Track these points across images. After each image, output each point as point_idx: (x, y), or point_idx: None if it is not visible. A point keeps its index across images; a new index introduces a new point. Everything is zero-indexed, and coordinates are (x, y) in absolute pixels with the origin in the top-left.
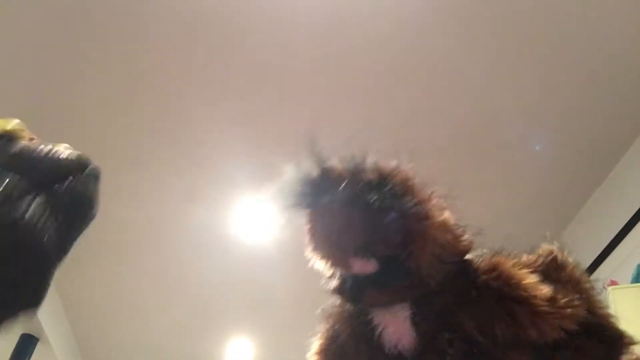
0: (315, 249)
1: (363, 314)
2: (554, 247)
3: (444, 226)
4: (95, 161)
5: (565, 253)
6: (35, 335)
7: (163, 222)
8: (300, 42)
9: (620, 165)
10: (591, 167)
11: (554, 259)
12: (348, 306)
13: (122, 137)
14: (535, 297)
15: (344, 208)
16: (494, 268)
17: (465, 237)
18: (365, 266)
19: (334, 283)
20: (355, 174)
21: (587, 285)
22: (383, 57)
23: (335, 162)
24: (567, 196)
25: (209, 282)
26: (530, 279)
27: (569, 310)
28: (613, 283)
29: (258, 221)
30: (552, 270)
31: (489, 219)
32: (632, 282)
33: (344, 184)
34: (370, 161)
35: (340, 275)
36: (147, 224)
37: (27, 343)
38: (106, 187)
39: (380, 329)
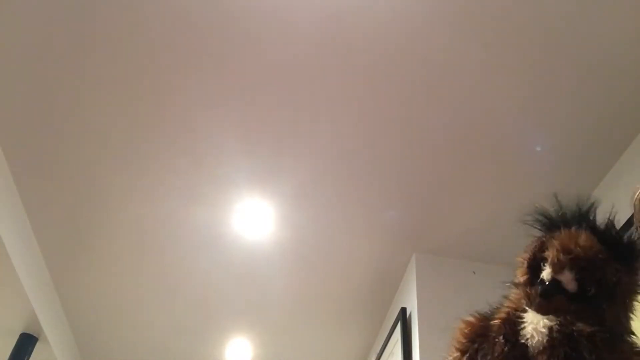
0: (549, 248)
1: (519, 312)
2: None
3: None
4: (96, 161)
5: None
6: (34, 335)
7: (162, 221)
8: (301, 44)
9: (620, 164)
10: (590, 166)
11: None
12: (516, 300)
13: (122, 136)
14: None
15: (594, 236)
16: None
17: None
18: (570, 281)
19: (533, 285)
20: (609, 227)
21: None
22: (382, 60)
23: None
24: (567, 195)
25: (208, 282)
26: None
27: None
28: None
29: (258, 221)
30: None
31: (489, 219)
32: None
33: (599, 222)
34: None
35: (549, 276)
36: (146, 223)
37: (26, 342)
38: (106, 187)
39: (524, 326)
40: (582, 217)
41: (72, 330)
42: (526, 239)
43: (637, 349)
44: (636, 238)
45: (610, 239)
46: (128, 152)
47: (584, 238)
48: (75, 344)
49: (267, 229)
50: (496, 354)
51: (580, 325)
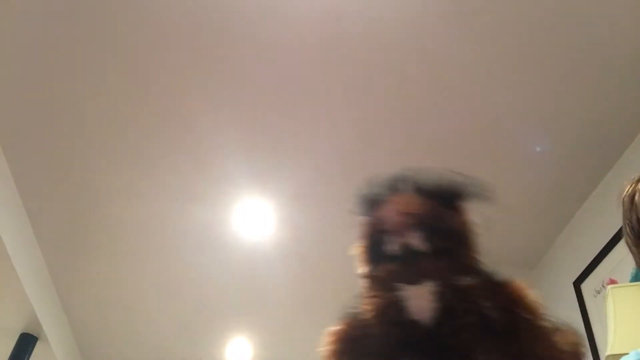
0: (384, 220)
1: (392, 290)
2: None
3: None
4: (96, 161)
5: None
6: (34, 335)
7: (163, 221)
8: (302, 45)
9: (620, 164)
10: (590, 165)
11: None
12: (379, 287)
13: (123, 137)
14: (541, 322)
15: (419, 195)
16: (516, 283)
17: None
18: (420, 243)
19: (380, 257)
20: (432, 180)
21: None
22: (383, 60)
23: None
24: (567, 195)
25: (208, 282)
26: (543, 311)
27: (562, 355)
28: (612, 282)
29: (258, 221)
30: (554, 330)
31: (489, 218)
32: (631, 281)
33: (422, 181)
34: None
35: (396, 246)
36: (147, 223)
37: (26, 342)
38: (106, 188)
39: (406, 303)
40: (398, 185)
41: (72, 330)
42: (528, 236)
43: (516, 282)
44: (456, 181)
45: (432, 190)
46: (129, 152)
47: (409, 198)
48: (75, 344)
49: (268, 229)
50: (380, 346)
51: (461, 279)
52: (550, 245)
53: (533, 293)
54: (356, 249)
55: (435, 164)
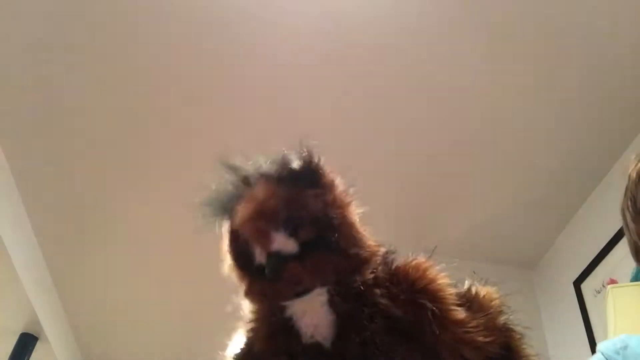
0: (237, 232)
1: (279, 310)
2: (473, 282)
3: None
4: (96, 161)
5: (489, 290)
6: (34, 335)
7: (163, 222)
8: (300, 49)
9: (619, 164)
10: (590, 166)
11: (470, 290)
12: (263, 308)
13: (123, 137)
14: (447, 305)
15: (268, 184)
16: (416, 264)
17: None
18: (286, 243)
19: (253, 272)
20: (280, 162)
21: (507, 326)
22: (382, 59)
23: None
24: (567, 195)
25: (209, 281)
26: (448, 290)
27: (476, 336)
28: (612, 282)
29: None
30: (468, 299)
31: (489, 219)
32: (631, 281)
33: (268, 166)
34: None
35: (262, 256)
36: (147, 224)
37: (26, 342)
38: (106, 188)
39: (297, 322)
40: (245, 179)
41: (72, 330)
42: (528, 235)
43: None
44: (311, 158)
45: (288, 174)
46: (129, 152)
47: (260, 192)
48: (76, 344)
49: None
50: None
51: (350, 276)
52: (550, 245)
53: (435, 271)
54: (228, 265)
55: (435, 164)
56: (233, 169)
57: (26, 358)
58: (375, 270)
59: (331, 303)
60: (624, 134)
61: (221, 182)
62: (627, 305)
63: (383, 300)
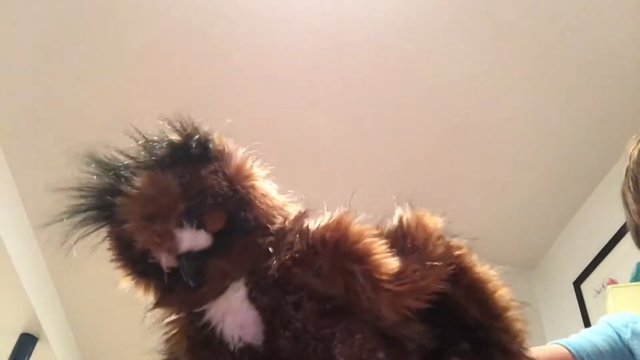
0: (127, 238)
1: (197, 318)
2: (403, 211)
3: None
4: None
5: (421, 215)
6: (34, 335)
7: None
8: (300, 45)
9: (619, 164)
10: (590, 166)
11: (401, 224)
12: (181, 318)
13: (124, 137)
14: (376, 262)
15: (152, 174)
16: (336, 224)
17: (289, 203)
18: (195, 238)
19: (162, 279)
20: (157, 143)
21: (448, 253)
22: (381, 59)
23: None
24: (567, 195)
25: None
26: (375, 244)
27: (415, 284)
28: (612, 282)
29: None
30: (400, 237)
31: (489, 219)
32: (631, 281)
33: (144, 152)
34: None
35: (171, 260)
36: None
37: (26, 343)
38: None
39: (219, 326)
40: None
41: (72, 330)
42: (528, 235)
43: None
44: (192, 127)
45: (171, 154)
46: None
47: (146, 184)
48: (76, 344)
49: None
50: None
51: (266, 260)
52: (550, 245)
53: (359, 225)
54: (123, 276)
55: (434, 164)
56: (101, 164)
57: (26, 358)
58: (291, 244)
59: (250, 297)
60: (624, 134)
61: (89, 182)
62: (627, 305)
63: (306, 279)
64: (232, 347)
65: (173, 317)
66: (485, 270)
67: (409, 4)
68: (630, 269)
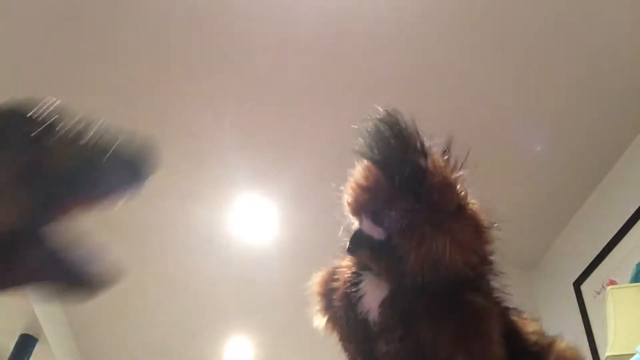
0: (351, 194)
1: (358, 275)
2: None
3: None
4: None
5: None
6: (34, 336)
7: (163, 222)
8: (300, 45)
9: (619, 164)
10: (590, 166)
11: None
12: (349, 267)
13: None
14: None
15: (383, 175)
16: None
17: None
18: (372, 229)
19: (349, 233)
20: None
21: None
22: (382, 58)
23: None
24: (567, 195)
25: (208, 281)
26: None
27: None
28: (612, 282)
29: (259, 221)
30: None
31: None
32: (631, 282)
33: (396, 151)
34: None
35: (354, 226)
36: (147, 224)
37: (26, 343)
38: None
39: (360, 293)
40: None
41: (72, 330)
42: (528, 235)
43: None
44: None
45: (393, 164)
46: None
47: (364, 170)
48: (75, 344)
49: (268, 228)
50: (342, 329)
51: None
52: (550, 245)
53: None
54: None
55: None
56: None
57: (26, 359)
58: (435, 300)
59: (384, 302)
60: (624, 134)
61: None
62: (627, 306)
63: (425, 332)
64: (359, 312)
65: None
66: None
67: (409, 5)
68: (630, 270)
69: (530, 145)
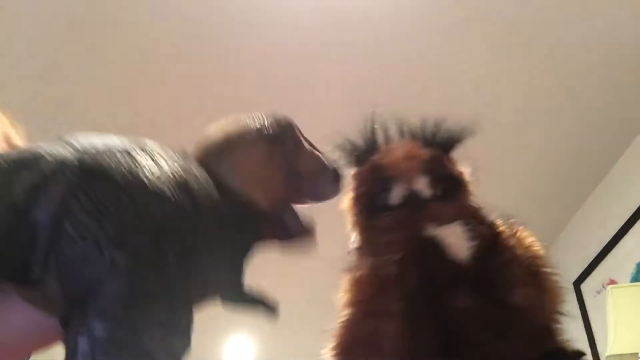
0: (388, 167)
1: (419, 230)
2: None
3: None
4: None
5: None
6: None
7: None
8: (300, 45)
9: (619, 164)
10: (590, 166)
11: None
12: (396, 233)
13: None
14: None
15: (417, 141)
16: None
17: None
18: (425, 188)
19: (391, 200)
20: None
21: None
22: (382, 58)
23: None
24: (567, 195)
25: None
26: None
27: None
28: (612, 282)
29: None
30: None
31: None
32: (631, 281)
33: (419, 128)
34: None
35: (403, 191)
36: None
37: None
38: None
39: (441, 240)
40: (394, 133)
41: None
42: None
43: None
44: (449, 128)
45: (430, 137)
46: None
47: (410, 144)
48: None
49: None
50: (424, 286)
51: (479, 225)
52: (550, 245)
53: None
54: (350, 201)
55: None
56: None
57: (27, 359)
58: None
59: (468, 235)
60: (624, 134)
61: (365, 133)
62: (627, 306)
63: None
64: (447, 258)
65: (392, 235)
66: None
67: (409, 5)
68: (630, 269)
69: (530, 145)
